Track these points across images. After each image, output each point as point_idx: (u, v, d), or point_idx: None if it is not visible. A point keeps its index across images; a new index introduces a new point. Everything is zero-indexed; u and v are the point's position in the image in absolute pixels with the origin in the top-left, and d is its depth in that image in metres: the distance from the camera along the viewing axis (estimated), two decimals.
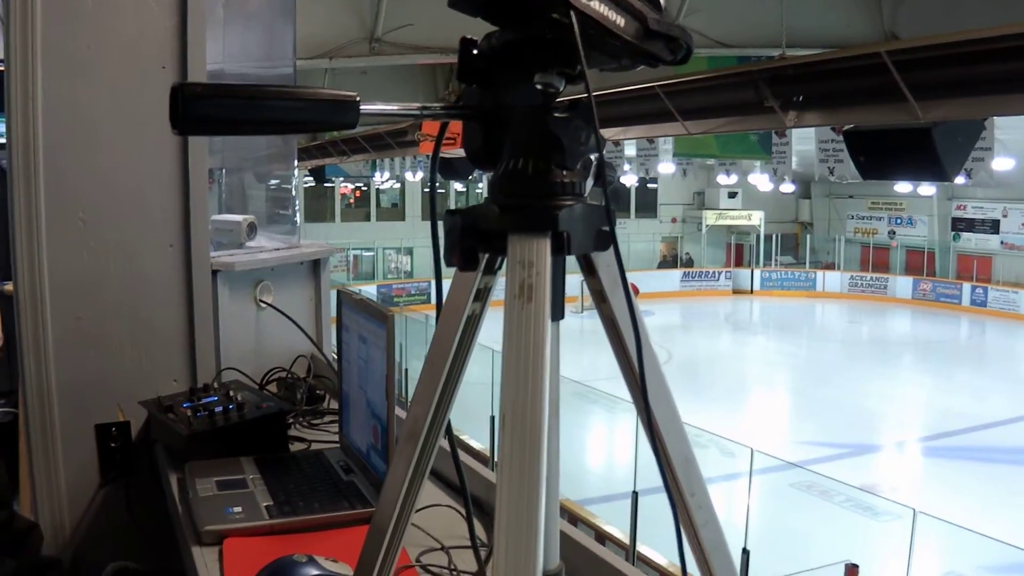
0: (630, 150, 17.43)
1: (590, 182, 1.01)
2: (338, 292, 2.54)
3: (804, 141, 13.85)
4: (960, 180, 20.59)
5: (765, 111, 8.43)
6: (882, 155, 8.27)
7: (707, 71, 10.00)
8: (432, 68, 16.84)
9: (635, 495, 11.13)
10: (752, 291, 34.52)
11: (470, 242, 0.99)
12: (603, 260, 1.02)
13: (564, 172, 0.97)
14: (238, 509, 2.17)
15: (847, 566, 9.42)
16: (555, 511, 1.07)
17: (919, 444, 17.60)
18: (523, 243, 0.94)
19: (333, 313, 2.90)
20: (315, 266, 3.72)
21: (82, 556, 3.19)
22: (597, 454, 16.81)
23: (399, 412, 2.03)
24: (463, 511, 2.13)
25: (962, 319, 30.73)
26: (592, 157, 1.00)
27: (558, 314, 0.97)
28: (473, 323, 1.05)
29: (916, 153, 7.88)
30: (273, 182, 4.16)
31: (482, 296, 1.03)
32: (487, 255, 1.01)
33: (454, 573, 1.87)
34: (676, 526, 1.05)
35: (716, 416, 14.49)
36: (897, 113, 7.33)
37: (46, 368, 3.10)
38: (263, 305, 3.47)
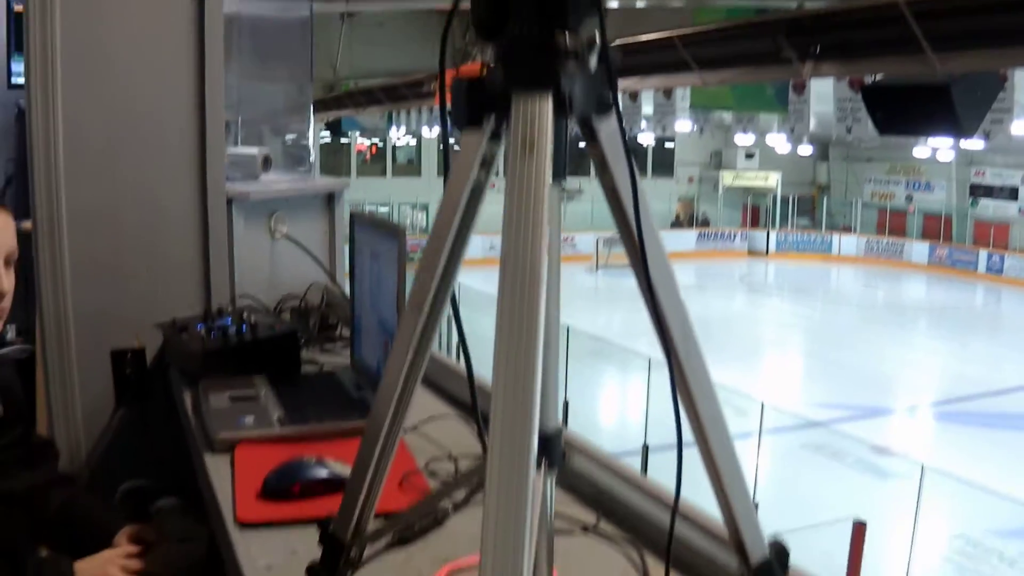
0: (647, 108, 17.37)
1: (594, 59, 1.03)
2: (351, 213, 2.57)
3: (822, 101, 13.76)
4: (980, 144, 20.50)
5: (782, 62, 8.41)
6: (900, 111, 8.26)
7: (725, 21, 9.97)
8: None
9: (645, 448, 11.21)
10: (768, 253, 34.40)
11: (476, 102, 1.03)
12: (604, 127, 1.04)
13: (567, 38, 0.99)
14: (250, 419, 2.22)
15: (855, 523, 9.46)
16: (554, 371, 1.09)
17: (932, 408, 17.57)
18: (526, 101, 0.96)
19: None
20: (329, 200, 3.74)
21: (97, 477, 3.24)
22: (609, 411, 16.87)
23: None
24: (472, 423, 2.18)
25: (978, 286, 30.58)
26: (595, 30, 1.02)
27: (560, 173, 1.00)
28: (478, 193, 1.07)
29: (934, 109, 7.86)
30: (290, 136, 4.17)
31: (487, 164, 1.06)
32: (492, 120, 1.04)
33: (461, 478, 1.91)
34: (673, 395, 1.08)
35: (730, 377, 14.46)
36: (914, 64, 7.31)
37: (63, 296, 3.13)
38: (278, 236, 3.50)
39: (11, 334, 5.13)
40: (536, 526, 1.02)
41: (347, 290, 3.14)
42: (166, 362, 3.07)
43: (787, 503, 10.85)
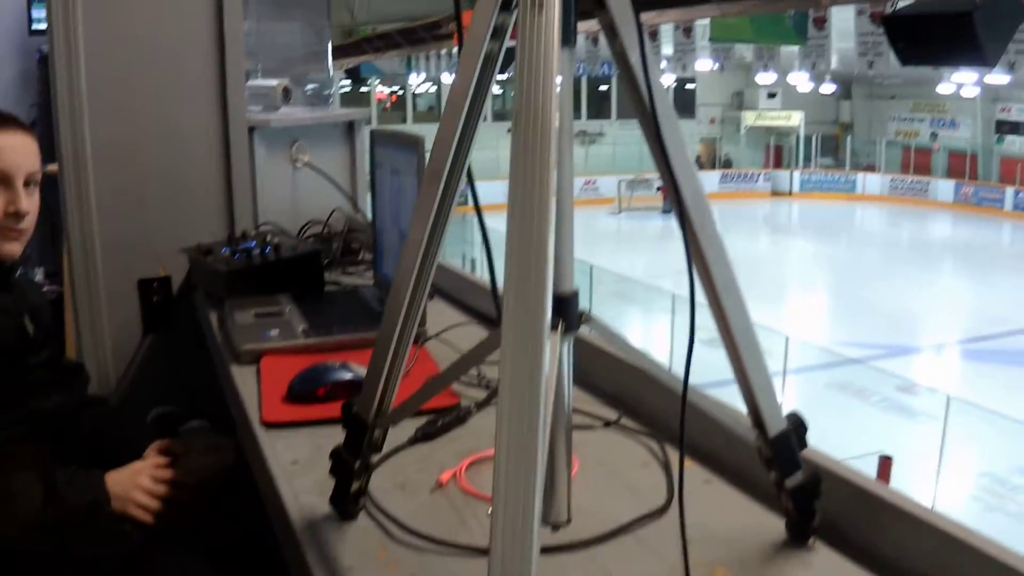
0: (667, 48, 17.22)
1: None
2: (371, 131, 2.59)
3: (844, 38, 13.60)
4: (1004, 79, 20.23)
5: None
6: (922, 40, 8.15)
7: None
8: None
9: None
10: (791, 193, 34.07)
11: None
12: None
13: None
14: (275, 332, 2.25)
15: (881, 458, 9.46)
16: (568, 234, 1.10)
17: (958, 347, 17.39)
18: None
19: None
20: (350, 129, 3.75)
21: (126, 404, 3.27)
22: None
23: None
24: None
25: (1004, 224, 30.21)
26: None
27: (569, 40, 1.00)
28: (491, 63, 1.08)
29: (956, 38, 7.76)
30: (311, 85, 4.17)
31: (499, 35, 1.07)
32: None
33: (484, 382, 1.93)
34: (688, 259, 1.09)
35: (754, 317, 14.42)
36: None
37: (90, 229, 3.17)
38: (299, 164, 3.52)
39: (40, 276, 5.20)
40: (552, 389, 1.04)
41: (369, 216, 3.16)
42: (192, 289, 3.11)
43: (814, 440, 10.83)
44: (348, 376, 1.87)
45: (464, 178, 1.15)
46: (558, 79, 0.93)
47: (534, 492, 0.88)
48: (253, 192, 3.36)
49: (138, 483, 2.19)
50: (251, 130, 3.34)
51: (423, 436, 1.68)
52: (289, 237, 3.06)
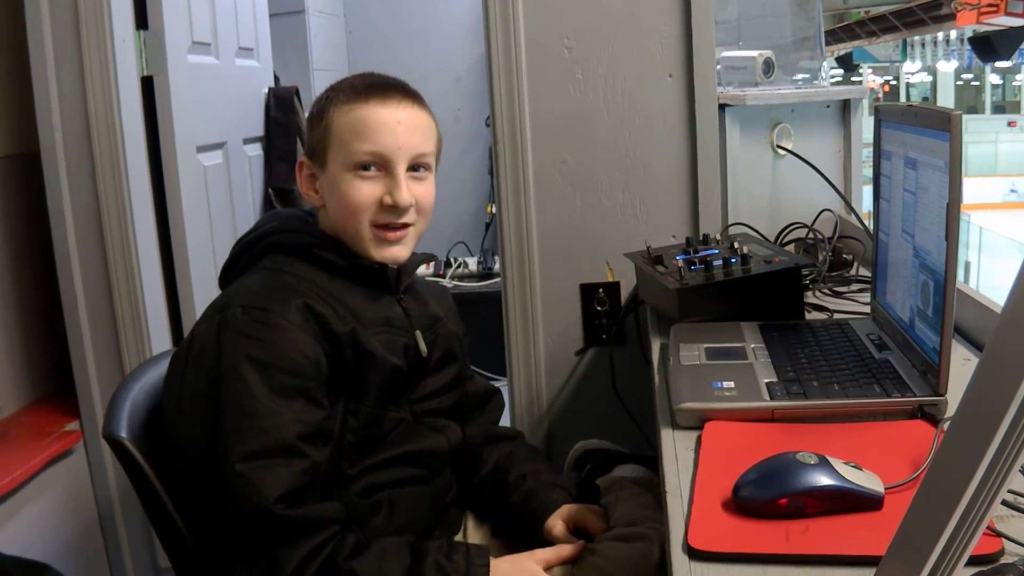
0: None
1: None
2: (875, 108, 1.88)
3: None
4: None
5: None
6: None
7: None
8: None
9: None
10: None
11: None
12: None
13: None
14: (729, 384, 1.59)
15: None
16: None
17: None
18: None
19: None
20: (844, 109, 3.06)
21: (555, 432, 2.83)
22: None
23: None
24: None
25: None
26: None
27: None
28: None
29: None
30: (801, 76, 3.54)
31: None
32: None
33: None
34: None
35: None
36: None
37: (526, 218, 2.80)
38: (781, 152, 2.88)
39: (472, 266, 4.96)
40: None
41: (867, 220, 2.49)
42: (639, 298, 2.57)
43: None
44: (828, 482, 1.19)
45: None
46: None
47: None
48: (723, 185, 2.78)
49: None
50: (722, 108, 2.76)
51: None
52: (763, 245, 2.41)
